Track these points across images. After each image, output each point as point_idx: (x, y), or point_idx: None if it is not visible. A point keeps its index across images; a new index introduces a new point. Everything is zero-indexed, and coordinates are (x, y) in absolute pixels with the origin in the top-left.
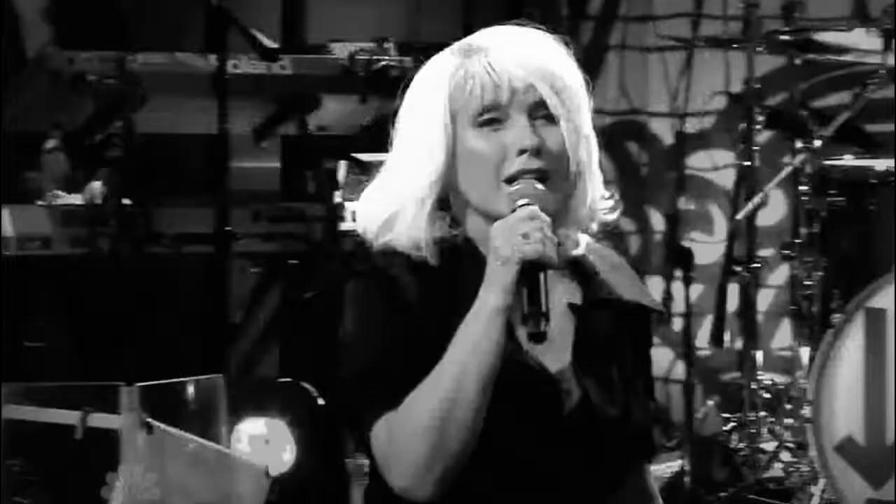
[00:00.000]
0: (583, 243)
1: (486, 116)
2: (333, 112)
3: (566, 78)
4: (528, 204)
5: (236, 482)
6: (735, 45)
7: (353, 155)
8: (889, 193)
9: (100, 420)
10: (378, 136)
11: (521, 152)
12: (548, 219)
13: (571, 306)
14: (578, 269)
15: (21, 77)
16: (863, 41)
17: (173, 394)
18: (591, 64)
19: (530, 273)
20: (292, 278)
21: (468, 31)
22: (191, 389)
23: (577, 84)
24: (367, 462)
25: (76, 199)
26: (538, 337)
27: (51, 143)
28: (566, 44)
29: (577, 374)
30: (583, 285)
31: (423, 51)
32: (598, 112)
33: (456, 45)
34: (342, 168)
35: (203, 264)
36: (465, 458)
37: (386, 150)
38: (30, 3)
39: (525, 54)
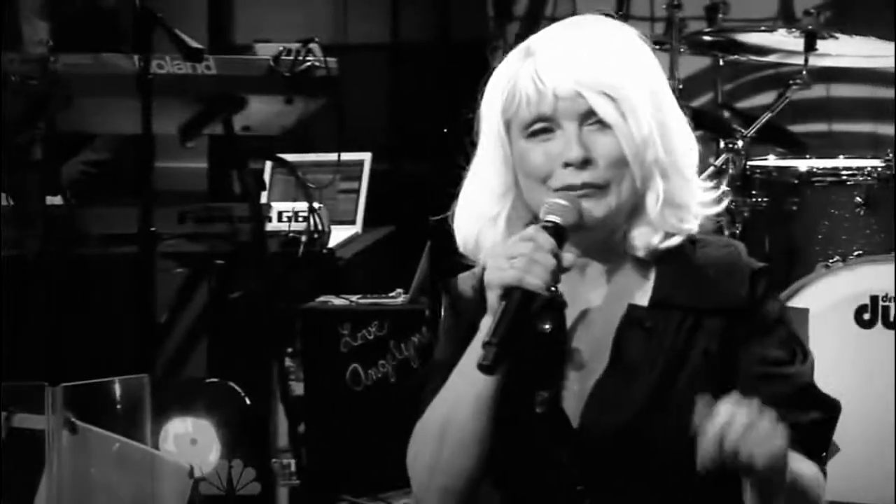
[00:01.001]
0: (667, 241)
1: (534, 127)
2: (259, 112)
3: (620, 81)
4: (548, 223)
5: (160, 482)
6: (659, 46)
7: (279, 156)
8: (812, 193)
9: (24, 420)
10: (303, 136)
11: (567, 165)
12: (549, 242)
13: (632, 308)
14: (657, 268)
15: None
16: (786, 42)
17: (98, 394)
18: None
19: (510, 299)
20: (218, 279)
21: (395, 32)
22: (116, 389)
23: (638, 84)
24: (292, 462)
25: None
26: (484, 369)
27: None
28: (643, 36)
29: (604, 384)
30: (655, 285)
31: (349, 52)
32: None
33: (521, 46)
34: (268, 168)
35: (129, 265)
36: (472, 477)
37: (313, 151)
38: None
39: (573, 59)
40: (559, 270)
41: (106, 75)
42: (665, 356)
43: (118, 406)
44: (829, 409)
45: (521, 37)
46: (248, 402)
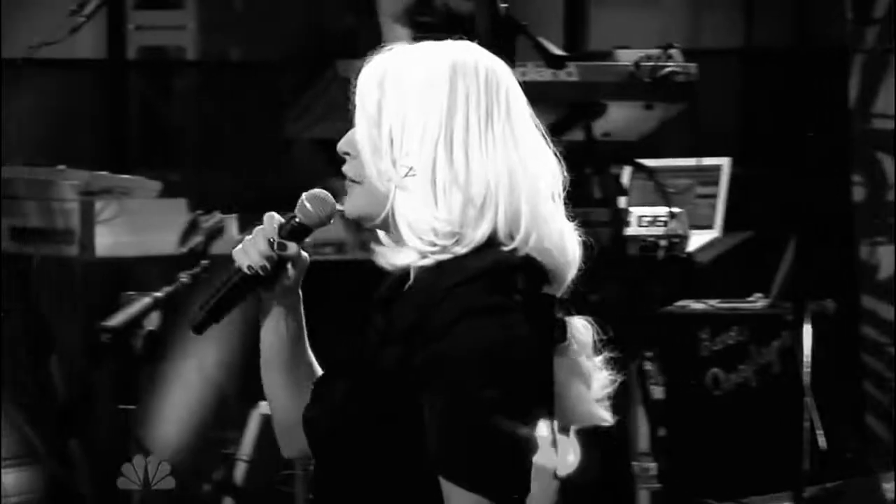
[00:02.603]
0: (411, 259)
1: None
2: (619, 118)
3: (362, 91)
4: (291, 215)
5: None
6: None
7: (638, 160)
8: None
9: None
10: (660, 141)
11: None
12: (271, 229)
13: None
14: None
15: (319, 84)
16: None
17: None
18: (875, 68)
19: (231, 271)
20: (576, 283)
21: (750, 36)
22: None
23: (371, 101)
24: (653, 465)
25: None
26: (193, 328)
27: None
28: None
29: (321, 386)
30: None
31: (705, 56)
32: (881, 116)
33: None
34: (627, 173)
35: None
36: (284, 424)
37: (672, 156)
38: (391, 5)
39: (368, 65)
40: (271, 256)
41: None
42: (362, 363)
43: None
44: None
45: (882, 40)
46: None
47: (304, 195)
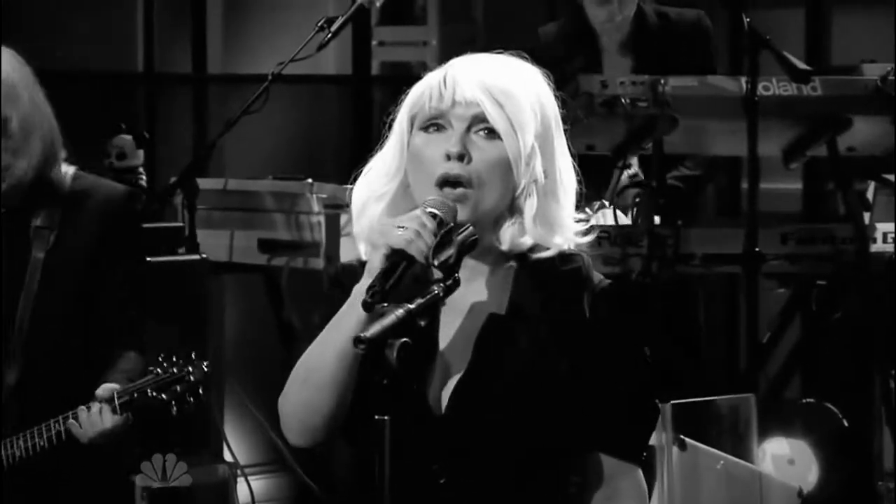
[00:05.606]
0: (537, 253)
1: (430, 122)
2: (863, 133)
3: (515, 94)
4: (433, 214)
5: (768, 501)
6: None
7: (884, 176)
8: None
9: None
10: None
11: (448, 157)
12: (433, 224)
13: (492, 316)
14: (516, 276)
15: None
16: None
17: (705, 411)
18: None
19: (394, 259)
20: (820, 299)
21: None
22: (720, 407)
23: (531, 105)
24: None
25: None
26: (365, 306)
27: (632, 171)
28: (547, 76)
29: (466, 381)
30: (512, 294)
31: None
32: None
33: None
34: (871, 189)
35: (729, 284)
36: (328, 416)
37: None
38: (613, 37)
39: (478, 71)
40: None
41: (713, 97)
42: (520, 360)
43: (722, 424)
44: (649, 418)
45: None
46: (845, 423)
47: (435, 195)
